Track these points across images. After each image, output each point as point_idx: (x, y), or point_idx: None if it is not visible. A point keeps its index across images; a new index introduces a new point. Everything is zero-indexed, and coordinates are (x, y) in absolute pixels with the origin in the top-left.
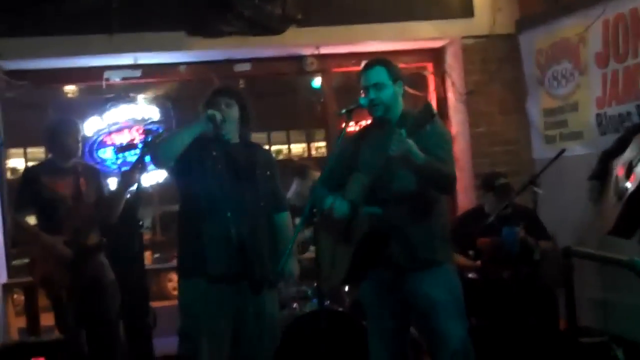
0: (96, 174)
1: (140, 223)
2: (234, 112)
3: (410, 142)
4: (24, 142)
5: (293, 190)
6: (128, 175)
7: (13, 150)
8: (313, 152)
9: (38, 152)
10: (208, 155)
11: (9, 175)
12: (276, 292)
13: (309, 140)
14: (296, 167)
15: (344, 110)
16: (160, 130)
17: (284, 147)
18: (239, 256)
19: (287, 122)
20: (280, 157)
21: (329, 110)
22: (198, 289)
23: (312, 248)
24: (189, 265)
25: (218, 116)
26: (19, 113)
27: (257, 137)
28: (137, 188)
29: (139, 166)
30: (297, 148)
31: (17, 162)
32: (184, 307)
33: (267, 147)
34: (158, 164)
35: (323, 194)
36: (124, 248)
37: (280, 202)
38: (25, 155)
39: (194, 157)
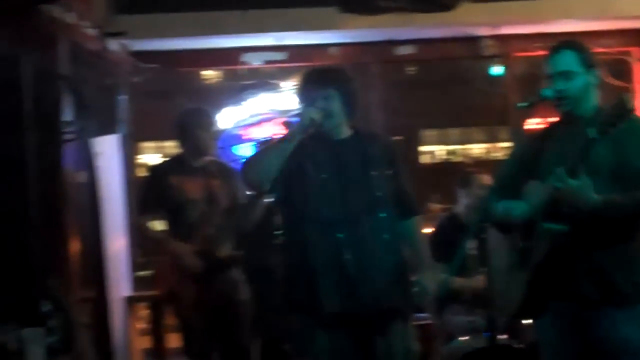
0: (231, 175)
1: (279, 233)
2: (336, 104)
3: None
4: (158, 135)
5: (461, 204)
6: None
7: (146, 145)
8: (497, 154)
9: (175, 147)
10: (308, 161)
11: (141, 172)
12: (410, 323)
13: (490, 140)
14: (459, 175)
15: (523, 104)
16: None
17: (459, 148)
18: (358, 288)
19: (462, 117)
20: (455, 159)
21: (510, 102)
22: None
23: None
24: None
25: (316, 117)
26: (151, 101)
27: (425, 135)
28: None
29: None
30: (477, 149)
31: (151, 158)
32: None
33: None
34: (251, 188)
35: (493, 204)
36: (260, 262)
37: (407, 204)
38: (160, 150)
39: (292, 167)
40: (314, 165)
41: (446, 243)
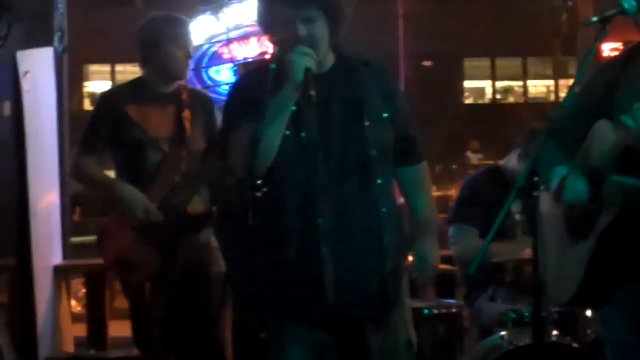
0: (208, 106)
1: (259, 183)
2: (321, 30)
3: None
4: (111, 54)
5: (510, 159)
6: None
7: (95, 68)
8: (563, 94)
9: (134, 72)
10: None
11: (87, 104)
12: (408, 307)
13: (557, 76)
14: (524, 133)
15: (595, 19)
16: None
17: (517, 85)
18: (338, 287)
19: (519, 43)
20: (511, 99)
21: (580, 20)
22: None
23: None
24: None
25: (312, 65)
26: (101, 6)
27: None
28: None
29: None
30: (538, 86)
31: (101, 87)
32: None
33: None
34: (237, 176)
35: (551, 157)
36: (241, 222)
37: (411, 150)
38: (113, 75)
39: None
40: (291, 118)
41: (481, 203)
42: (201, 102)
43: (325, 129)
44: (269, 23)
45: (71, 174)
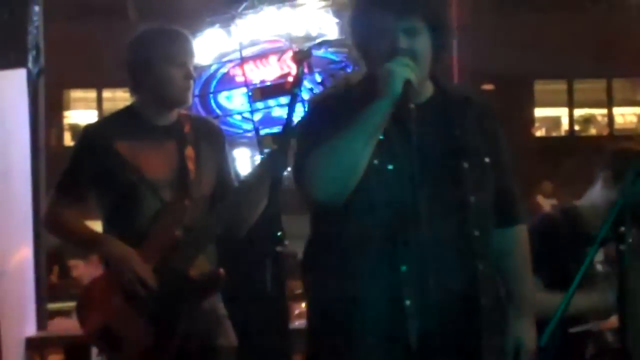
0: (217, 139)
1: (279, 235)
2: (423, 44)
3: None
4: (98, 78)
5: (589, 195)
6: (280, 150)
7: (77, 94)
8: None
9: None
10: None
11: (68, 139)
12: None
13: None
14: (609, 152)
15: None
16: (342, 65)
17: (600, 113)
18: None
19: (601, 62)
20: (592, 131)
21: None
22: None
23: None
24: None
25: (413, 77)
26: (86, 21)
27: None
28: (280, 173)
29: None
30: (626, 114)
31: (86, 116)
32: None
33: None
34: (311, 202)
35: None
36: (254, 287)
37: (509, 208)
38: (100, 102)
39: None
40: (378, 152)
41: (549, 249)
42: (208, 134)
43: (417, 165)
44: (364, 34)
45: (45, 224)
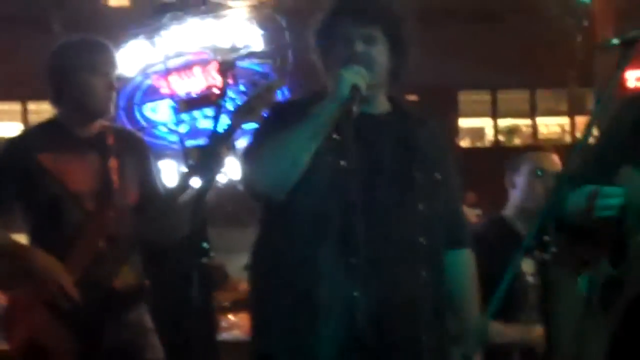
0: (141, 151)
1: (205, 246)
2: (380, 52)
3: None
4: (22, 92)
5: (511, 202)
6: (209, 160)
7: (2, 107)
8: (579, 134)
9: (49, 111)
10: (327, 149)
11: None
12: None
13: (572, 111)
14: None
15: (616, 40)
16: (267, 75)
17: (524, 123)
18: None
19: (524, 70)
20: (516, 141)
21: (598, 44)
22: None
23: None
24: None
25: (362, 82)
26: (12, 30)
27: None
28: (207, 183)
29: (222, 144)
30: (550, 124)
31: (12, 129)
32: None
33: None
34: (256, 196)
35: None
36: (180, 297)
37: (457, 230)
38: (24, 115)
39: None
40: (332, 157)
41: (487, 265)
42: (132, 146)
43: (369, 165)
44: (325, 41)
45: None
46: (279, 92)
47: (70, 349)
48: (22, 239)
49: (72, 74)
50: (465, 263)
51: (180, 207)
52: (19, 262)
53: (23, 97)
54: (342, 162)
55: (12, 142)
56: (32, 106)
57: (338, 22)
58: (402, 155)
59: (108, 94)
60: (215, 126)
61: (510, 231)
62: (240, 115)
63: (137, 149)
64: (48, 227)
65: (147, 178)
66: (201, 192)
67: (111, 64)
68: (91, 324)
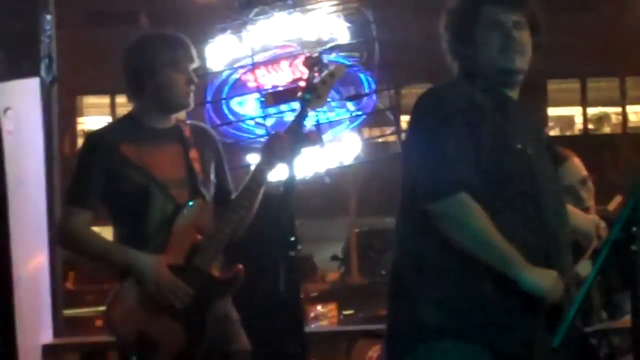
0: (215, 144)
1: (293, 240)
2: (528, 39)
3: None
4: (111, 85)
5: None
6: (283, 151)
7: (91, 100)
8: None
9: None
10: (489, 123)
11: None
12: None
13: None
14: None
15: None
16: (354, 68)
17: (614, 111)
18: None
19: (616, 60)
20: (606, 129)
21: None
22: None
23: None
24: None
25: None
26: (99, 27)
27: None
28: (291, 176)
29: (303, 135)
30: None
31: (101, 122)
32: None
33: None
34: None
35: None
36: (266, 288)
37: None
38: (113, 108)
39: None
40: (499, 130)
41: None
42: (207, 139)
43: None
44: (469, 28)
45: (58, 239)
46: (365, 83)
47: (177, 340)
48: (105, 231)
49: (153, 70)
50: None
51: (257, 201)
52: (114, 262)
53: (111, 91)
54: (519, 145)
55: (93, 136)
56: (120, 99)
57: (487, 8)
58: (538, 141)
59: (188, 88)
60: (301, 119)
61: None
62: (308, 103)
63: (211, 142)
64: (136, 216)
65: (220, 171)
66: (288, 186)
67: (190, 58)
68: (195, 313)
